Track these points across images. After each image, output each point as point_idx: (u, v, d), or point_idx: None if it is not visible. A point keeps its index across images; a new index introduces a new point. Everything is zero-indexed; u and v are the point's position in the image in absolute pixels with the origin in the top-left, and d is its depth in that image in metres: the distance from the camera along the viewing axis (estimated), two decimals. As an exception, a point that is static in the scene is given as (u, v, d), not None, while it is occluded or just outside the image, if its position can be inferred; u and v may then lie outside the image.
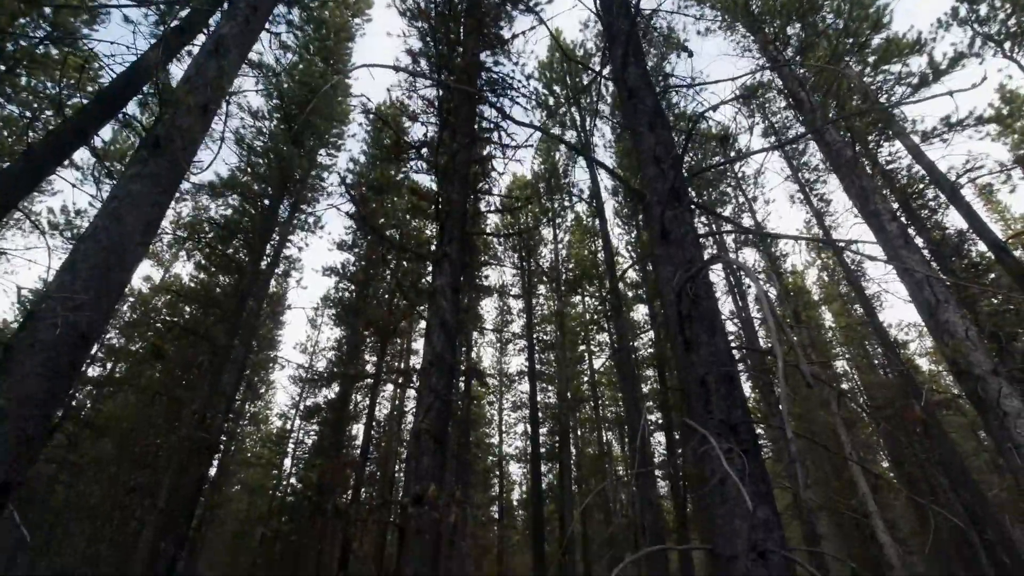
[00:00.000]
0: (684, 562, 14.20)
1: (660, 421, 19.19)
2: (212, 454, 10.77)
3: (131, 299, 17.67)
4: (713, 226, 12.89)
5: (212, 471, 19.52)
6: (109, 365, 16.44)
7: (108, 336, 16.50)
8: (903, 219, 7.35)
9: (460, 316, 6.05)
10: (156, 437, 9.08)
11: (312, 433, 18.43)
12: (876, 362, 25.26)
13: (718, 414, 2.72)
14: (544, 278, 19.50)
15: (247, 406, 22.86)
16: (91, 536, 9.49)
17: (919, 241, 13.75)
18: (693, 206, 3.90)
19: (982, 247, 13.76)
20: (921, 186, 13.29)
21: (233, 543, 19.12)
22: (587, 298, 23.29)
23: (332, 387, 12.80)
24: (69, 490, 13.11)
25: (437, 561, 4.88)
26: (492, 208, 7.57)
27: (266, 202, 11.35)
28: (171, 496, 8.05)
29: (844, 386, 26.87)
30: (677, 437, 17.74)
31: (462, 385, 16.68)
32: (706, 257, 3.46)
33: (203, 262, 11.14)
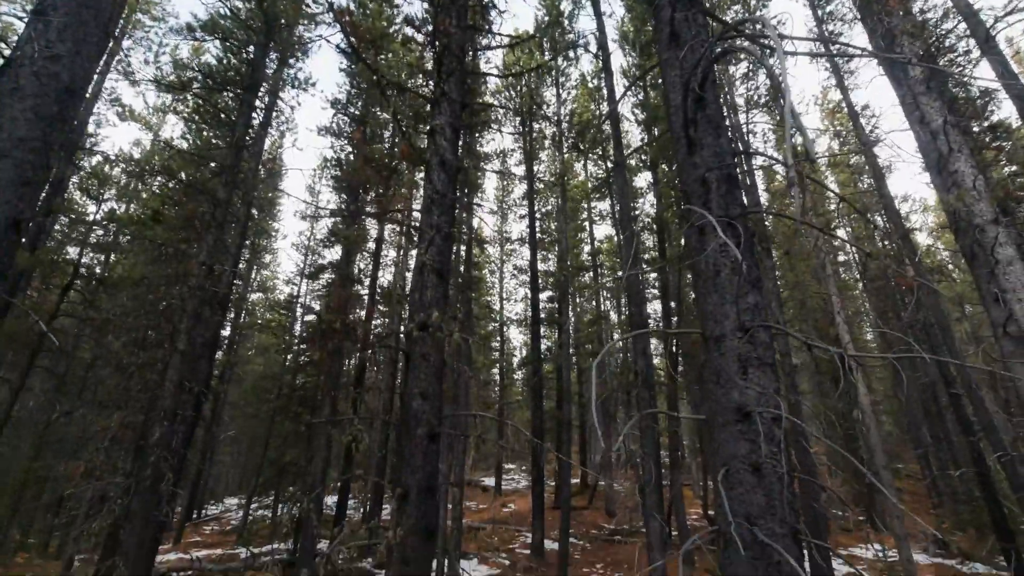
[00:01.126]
0: (672, 421, 15.34)
1: (656, 287, 19.69)
2: (224, 306, 11.17)
3: (122, 165, 17.30)
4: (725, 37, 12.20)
5: (226, 330, 20.42)
6: (112, 228, 16.56)
7: (106, 198, 16.43)
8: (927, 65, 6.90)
9: (460, 156, 5.93)
10: (167, 289, 9.36)
11: (318, 297, 18.99)
12: (877, 236, 25.35)
13: (717, 210, 2.74)
14: (546, 142, 18.91)
15: (253, 272, 23.38)
16: (120, 383, 10.12)
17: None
18: (705, 15, 3.64)
19: (1004, 113, 13.10)
20: (950, 27, 12.34)
21: (252, 398, 20.52)
22: (589, 164, 22.79)
23: (335, 249, 12.98)
24: (96, 345, 13.82)
25: (441, 384, 5.25)
26: (493, 45, 7.10)
27: (251, 49, 10.65)
28: (189, 339, 8.47)
29: (840, 258, 27.21)
30: (673, 305, 18.31)
31: (463, 253, 16.89)
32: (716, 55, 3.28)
33: (192, 116, 10.74)
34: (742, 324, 2.52)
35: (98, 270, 17.10)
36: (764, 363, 2.47)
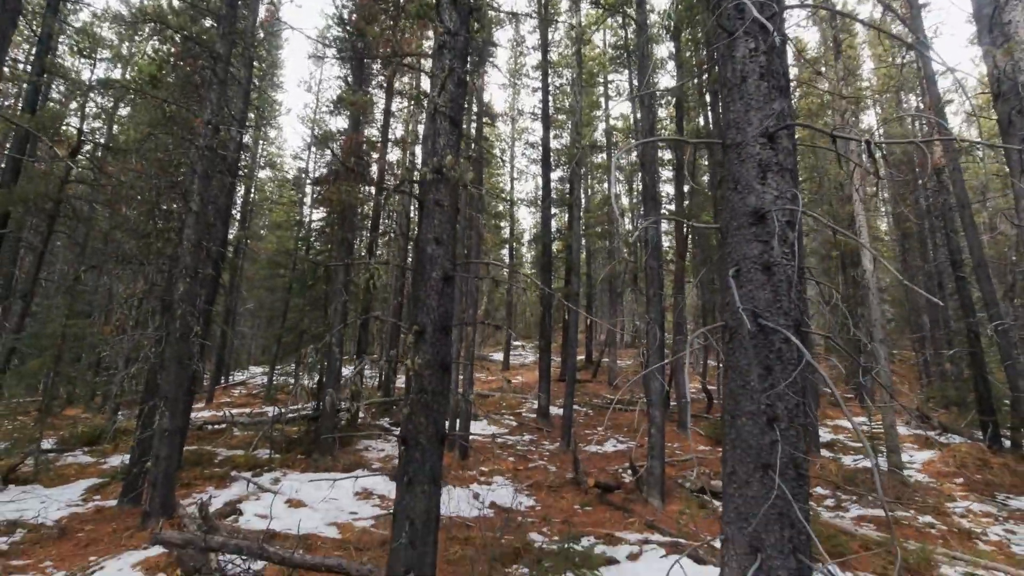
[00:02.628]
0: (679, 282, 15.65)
1: (672, 167, 19.21)
2: (233, 172, 11.09)
3: (106, 24, 16.32)
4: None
5: (237, 205, 20.47)
6: (110, 95, 16.03)
7: (100, 58, 15.72)
8: None
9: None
10: (175, 149, 9.25)
11: (327, 166, 18.73)
12: (908, 118, 24.09)
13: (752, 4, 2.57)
14: (563, 3, 17.52)
15: (260, 148, 22.95)
16: (140, 245, 10.31)
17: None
18: None
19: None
20: None
21: (267, 273, 21.03)
22: (608, 34, 21.30)
23: (342, 119, 12.55)
24: (112, 214, 13.96)
25: (455, 230, 5.32)
26: None
27: None
28: (202, 200, 8.51)
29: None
30: (686, 189, 17.95)
31: (473, 130, 16.34)
32: None
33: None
34: (765, 130, 2.47)
35: (102, 141, 16.83)
36: (784, 168, 2.45)
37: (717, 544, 7.92)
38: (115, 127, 17.96)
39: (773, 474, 2.13)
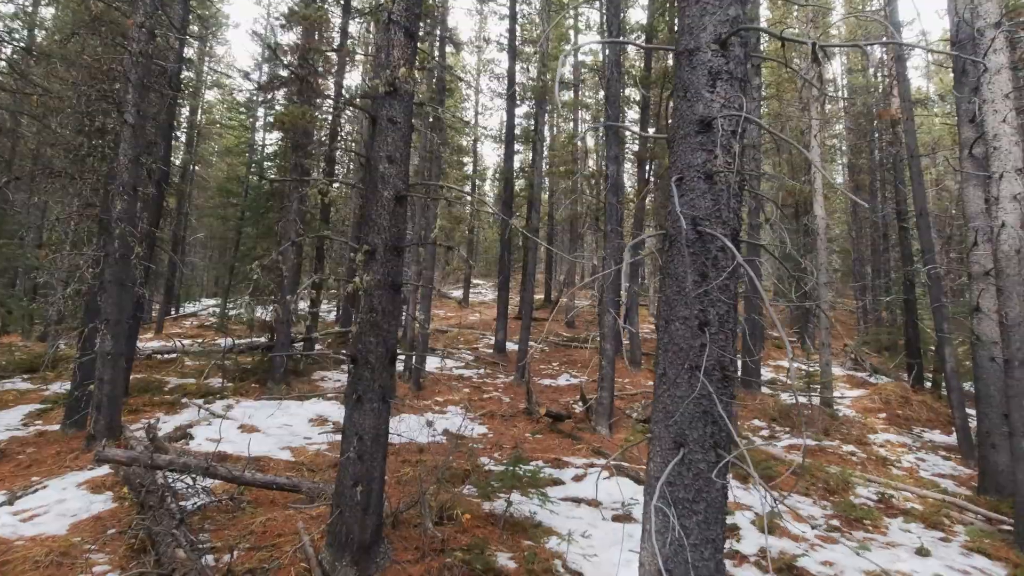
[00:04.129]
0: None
1: (638, 104, 18.95)
2: (175, 86, 10.34)
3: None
4: None
5: (183, 117, 19.24)
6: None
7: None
8: None
9: None
10: (105, 54, 8.48)
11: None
12: (871, 69, 24.25)
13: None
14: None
15: (206, 66, 21.33)
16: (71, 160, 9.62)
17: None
18: None
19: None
20: None
21: (218, 201, 20.12)
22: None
23: (293, 31, 11.74)
24: (41, 129, 12.90)
25: (409, 149, 5.14)
26: None
27: None
28: (139, 113, 7.93)
29: (829, 89, 26.30)
30: (651, 132, 17.80)
31: (436, 52, 15.57)
32: None
33: None
34: (719, 36, 2.41)
35: (21, 45, 15.29)
36: (734, 77, 2.42)
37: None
38: (36, 31, 16.33)
39: (700, 374, 2.21)
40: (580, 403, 10.91)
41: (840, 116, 24.89)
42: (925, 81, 33.94)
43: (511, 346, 17.54)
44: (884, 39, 21.03)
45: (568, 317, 22.38)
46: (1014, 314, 6.37)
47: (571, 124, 25.61)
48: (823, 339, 12.50)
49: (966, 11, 7.34)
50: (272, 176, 11.03)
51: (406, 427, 9.40)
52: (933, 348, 15.66)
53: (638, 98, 19.78)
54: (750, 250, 11.34)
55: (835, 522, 6.83)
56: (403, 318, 14.58)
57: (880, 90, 21.71)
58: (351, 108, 13.19)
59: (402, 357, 13.81)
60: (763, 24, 22.06)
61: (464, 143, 25.57)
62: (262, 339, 13.38)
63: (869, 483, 8.38)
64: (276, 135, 13.73)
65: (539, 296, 27.79)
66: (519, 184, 21.89)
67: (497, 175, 24.93)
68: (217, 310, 19.26)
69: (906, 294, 16.13)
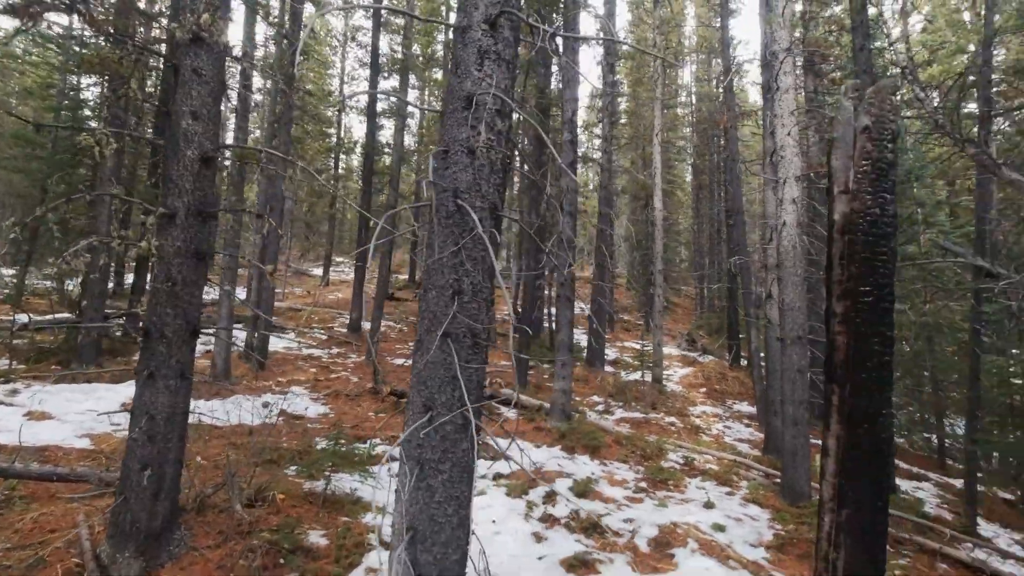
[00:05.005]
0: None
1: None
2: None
3: None
4: None
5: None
6: None
7: None
8: None
9: None
10: None
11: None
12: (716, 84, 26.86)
13: None
14: None
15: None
16: None
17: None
18: None
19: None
20: None
21: (21, 152, 17.10)
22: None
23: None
24: None
25: (219, 105, 4.72)
26: None
27: None
28: None
29: (682, 97, 28.74)
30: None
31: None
32: None
33: None
34: (488, 16, 2.49)
35: None
36: (502, 58, 2.52)
37: (489, 441, 8.73)
38: None
39: (452, 342, 2.31)
40: (428, 382, 10.97)
41: (690, 120, 27.25)
42: (756, 91, 38.36)
43: (367, 326, 17.12)
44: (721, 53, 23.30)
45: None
46: (789, 300, 7.47)
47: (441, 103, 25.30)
48: (656, 322, 13.75)
49: (768, 36, 8.36)
50: (51, 123, 9.54)
51: (240, 408, 8.82)
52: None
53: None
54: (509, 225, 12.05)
55: (644, 484, 7.60)
56: (268, 294, 13.62)
57: (720, 99, 24.16)
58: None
59: (241, 335, 12.89)
60: (622, 33, 23.38)
61: (329, 113, 24.24)
62: (67, 315, 11.73)
63: (679, 449, 9.44)
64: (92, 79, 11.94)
65: (404, 276, 27.42)
66: (388, 160, 21.27)
67: (359, 144, 23.96)
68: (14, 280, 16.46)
69: (729, 283, 18.27)
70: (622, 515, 6.42)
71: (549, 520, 6.02)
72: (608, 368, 15.92)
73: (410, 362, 9.49)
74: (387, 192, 16.02)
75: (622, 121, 25.49)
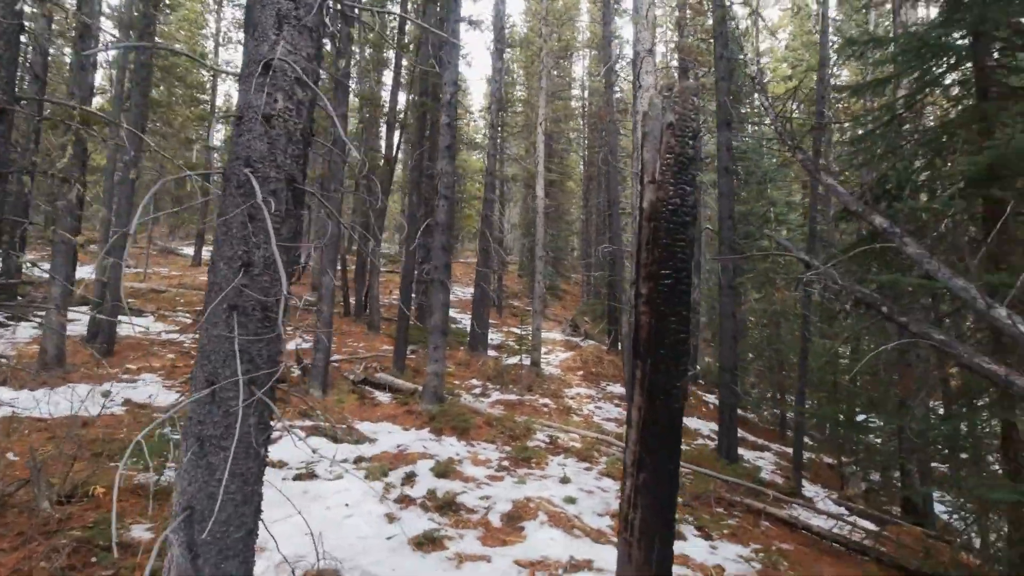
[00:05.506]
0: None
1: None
2: None
3: None
4: None
5: None
6: None
7: None
8: None
9: None
10: None
11: None
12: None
13: None
14: None
15: None
16: None
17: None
18: None
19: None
20: None
21: None
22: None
23: None
24: None
25: (16, 53, 4.15)
26: None
27: None
28: None
29: (575, 91, 29.64)
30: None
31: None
32: None
33: None
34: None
35: None
36: (304, 25, 2.45)
37: (358, 425, 8.61)
38: None
39: (239, 315, 2.22)
40: (296, 366, 10.55)
41: (582, 112, 28.16)
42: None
43: (241, 309, 16.08)
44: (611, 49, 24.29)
45: (315, 282, 21.40)
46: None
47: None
48: (536, 307, 14.18)
49: (635, 36, 8.83)
50: None
51: (73, 398, 7.93)
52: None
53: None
54: (319, 203, 12.15)
55: (506, 463, 7.85)
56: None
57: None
58: None
59: (82, 319, 11.59)
60: (518, 20, 23.51)
61: (204, 77, 22.26)
62: None
63: (547, 429, 9.85)
64: None
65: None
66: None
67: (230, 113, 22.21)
68: None
69: (610, 271, 19.25)
70: (480, 493, 6.60)
71: (405, 501, 6.05)
72: (491, 353, 16.19)
73: (287, 347, 9.01)
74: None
75: (517, 109, 25.85)
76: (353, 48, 19.70)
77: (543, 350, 17.23)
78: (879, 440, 11.34)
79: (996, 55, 6.72)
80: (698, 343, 19.83)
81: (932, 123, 7.95)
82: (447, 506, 6.01)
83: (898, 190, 6.49)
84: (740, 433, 14.28)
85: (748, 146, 17.26)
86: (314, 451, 4.69)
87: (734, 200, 10.66)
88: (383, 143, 17.40)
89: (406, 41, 15.71)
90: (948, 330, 6.26)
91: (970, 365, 4.96)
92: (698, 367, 19.41)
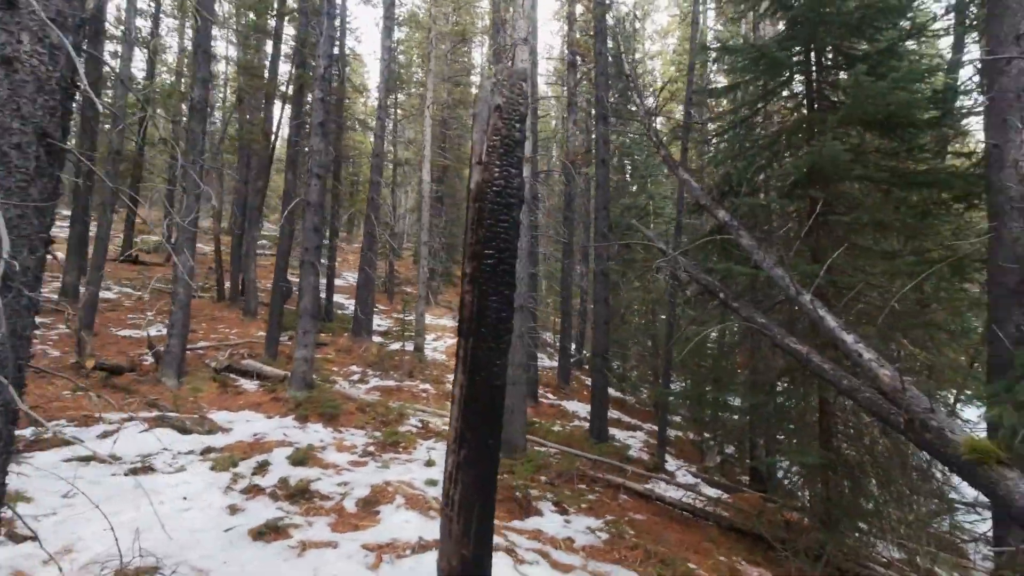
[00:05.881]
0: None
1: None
2: None
3: None
4: None
5: None
6: None
7: None
8: None
9: None
10: None
11: None
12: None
13: None
14: None
15: None
16: None
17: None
18: None
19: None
20: None
21: None
22: None
23: None
24: None
25: None
26: None
27: None
28: None
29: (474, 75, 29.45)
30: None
31: None
32: None
33: None
34: None
35: None
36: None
37: (214, 415, 8.08)
38: None
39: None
40: (148, 353, 9.67)
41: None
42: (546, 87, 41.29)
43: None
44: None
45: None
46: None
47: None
48: (421, 292, 14.05)
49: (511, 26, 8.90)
50: None
51: None
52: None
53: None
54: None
55: (372, 448, 7.72)
56: None
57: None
58: None
59: None
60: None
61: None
62: None
63: (421, 413, 9.82)
64: None
65: (157, 238, 23.76)
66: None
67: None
68: None
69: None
70: (340, 479, 6.43)
71: (253, 491, 5.76)
72: (377, 339, 15.85)
73: (143, 333, 8.19)
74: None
75: (413, 91, 25.28)
76: (231, 11, 18.24)
77: (431, 336, 17.17)
78: (736, 417, 12.49)
79: (822, 72, 7.52)
80: (585, 329, 20.64)
81: (775, 128, 8.76)
82: (300, 494, 5.80)
83: (738, 187, 7.10)
84: (617, 414, 15.12)
85: (634, 142, 18.16)
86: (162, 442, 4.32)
87: (610, 192, 11.15)
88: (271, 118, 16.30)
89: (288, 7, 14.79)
90: (772, 315, 6.96)
91: (781, 345, 5.55)
92: (584, 352, 20.23)
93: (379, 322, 18.03)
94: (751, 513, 8.41)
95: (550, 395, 14.69)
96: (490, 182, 3.35)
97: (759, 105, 8.10)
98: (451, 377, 13.72)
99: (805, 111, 7.72)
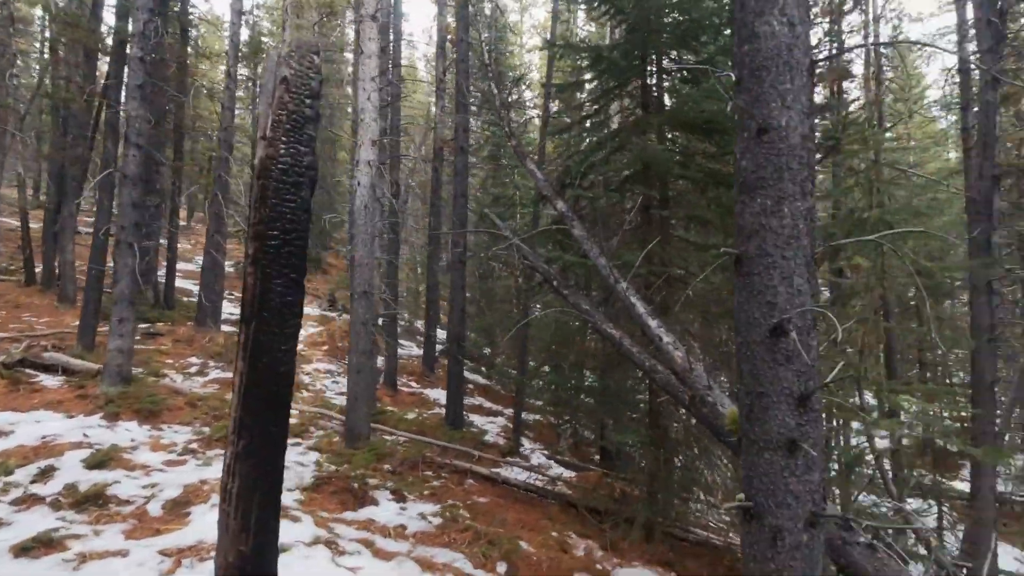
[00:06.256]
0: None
1: None
2: None
3: None
4: None
5: None
6: None
7: None
8: None
9: None
10: None
11: None
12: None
13: None
14: None
15: None
16: None
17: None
18: None
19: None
20: None
21: None
22: None
23: None
24: None
25: None
26: None
27: None
28: None
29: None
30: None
31: None
32: None
33: None
34: None
35: None
36: None
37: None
38: None
39: None
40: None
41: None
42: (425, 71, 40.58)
43: None
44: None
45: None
46: (359, 256, 7.91)
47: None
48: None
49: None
50: None
51: None
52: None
53: None
54: None
55: (195, 445, 7.12)
56: None
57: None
58: None
59: None
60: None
61: None
62: None
63: (263, 405, 9.21)
64: None
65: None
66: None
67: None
68: None
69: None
70: (148, 480, 5.84)
71: (27, 501, 5.03)
72: (226, 328, 14.62)
73: None
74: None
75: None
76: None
77: (288, 325, 16.17)
78: (585, 398, 13.18)
79: (660, 77, 8.05)
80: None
81: (615, 127, 9.30)
82: (90, 500, 5.17)
83: (575, 180, 7.45)
84: (479, 401, 15.34)
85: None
86: None
87: (468, 180, 11.19)
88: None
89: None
90: (597, 303, 7.40)
91: (599, 330, 5.91)
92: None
93: (232, 310, 16.67)
94: (589, 489, 8.94)
95: (413, 383, 14.55)
96: (275, 159, 3.15)
97: (601, 103, 8.55)
98: (307, 367, 13.13)
99: (640, 112, 8.24)
